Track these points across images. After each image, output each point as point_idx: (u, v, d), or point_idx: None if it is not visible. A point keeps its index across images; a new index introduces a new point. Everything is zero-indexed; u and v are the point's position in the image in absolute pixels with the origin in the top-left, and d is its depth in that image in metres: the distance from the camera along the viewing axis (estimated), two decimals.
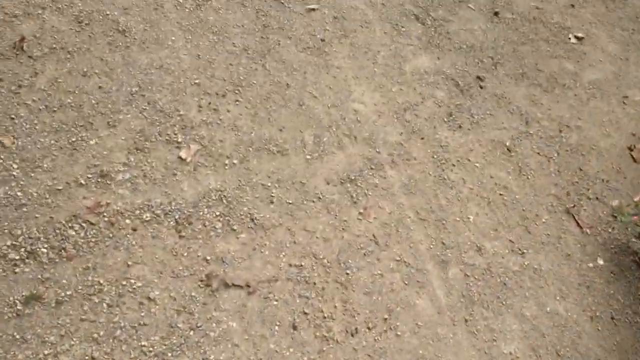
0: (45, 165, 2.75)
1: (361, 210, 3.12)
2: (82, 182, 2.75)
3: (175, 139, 3.05)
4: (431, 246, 3.11)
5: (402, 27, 4.23)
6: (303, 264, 2.83)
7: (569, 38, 4.61)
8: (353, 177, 3.23)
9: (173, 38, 3.50)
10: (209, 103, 3.27)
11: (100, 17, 3.44)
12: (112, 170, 2.83)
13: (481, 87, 4.07)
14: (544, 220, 3.46)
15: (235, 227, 2.84)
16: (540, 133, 3.92)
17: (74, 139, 2.88)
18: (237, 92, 3.39)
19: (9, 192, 2.62)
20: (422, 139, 3.60)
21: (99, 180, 2.78)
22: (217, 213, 2.85)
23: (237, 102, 3.34)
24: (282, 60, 3.66)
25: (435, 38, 4.24)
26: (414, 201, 3.27)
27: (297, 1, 4.06)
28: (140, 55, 3.34)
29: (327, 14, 4.07)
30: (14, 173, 2.68)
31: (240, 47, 3.62)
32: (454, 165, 3.54)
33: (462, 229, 3.25)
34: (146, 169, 2.89)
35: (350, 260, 2.91)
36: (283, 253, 2.83)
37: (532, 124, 3.96)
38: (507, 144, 3.78)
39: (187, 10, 3.69)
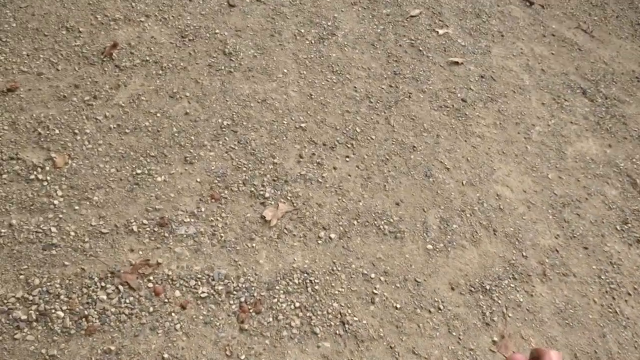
0: (95, 199, 2.13)
1: (495, 338, 2.17)
2: (134, 228, 2.09)
3: (261, 193, 2.34)
4: None
5: (565, 100, 3.34)
6: None
7: None
8: (488, 287, 2.32)
9: (285, 70, 2.88)
10: (313, 154, 2.56)
11: (208, 35, 2.90)
12: (175, 219, 2.16)
13: None
14: None
15: (317, 330, 2.01)
16: None
17: (139, 171, 2.26)
18: (349, 146, 2.65)
19: (41, 225, 2.01)
20: (586, 249, 2.62)
21: (156, 229, 2.11)
22: (297, 304, 2.06)
23: (347, 159, 2.60)
24: (411, 117, 2.90)
25: (607, 121, 3.30)
26: (572, 338, 2.27)
27: (439, 51, 3.34)
28: (242, 83, 2.74)
29: (472, 71, 3.29)
30: (55, 202, 2.08)
31: (362, 93, 2.92)
32: (629, 294, 2.51)
33: None
34: (217, 226, 2.18)
35: None
36: None
37: None
38: None
39: (307, 42, 3.08)
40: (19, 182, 2.10)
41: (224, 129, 2.52)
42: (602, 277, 2.53)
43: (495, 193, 2.70)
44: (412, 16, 3.51)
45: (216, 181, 2.33)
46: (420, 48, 3.31)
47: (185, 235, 2.13)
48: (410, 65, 3.18)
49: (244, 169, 2.41)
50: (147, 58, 2.69)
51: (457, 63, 3.31)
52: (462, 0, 3.80)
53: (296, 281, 2.12)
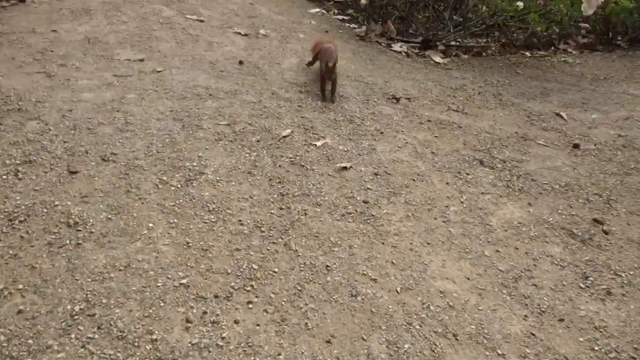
0: None
1: None
2: None
3: None
4: None
5: (467, 174, 3.11)
6: None
7: None
8: None
9: (150, 225, 2.36)
10: (204, 313, 1.96)
11: (45, 210, 2.35)
12: None
13: (606, 233, 2.75)
14: None
15: None
16: None
17: None
18: (249, 289, 2.10)
19: None
20: (562, 321, 2.16)
21: None
22: None
23: (250, 305, 2.02)
24: (314, 235, 2.45)
25: (515, 182, 3.09)
26: None
27: (322, 162, 3.03)
28: (95, 254, 2.15)
29: (364, 172, 3.00)
30: None
31: (250, 225, 2.45)
32: (633, 357, 2.03)
33: None
34: None
35: None
36: None
37: None
38: None
39: (172, 188, 2.62)
40: None
41: (76, 317, 1.86)
42: (596, 348, 2.05)
43: (437, 290, 2.22)
44: (284, 137, 3.25)
45: None
46: (302, 163, 2.99)
47: None
48: (297, 183, 2.81)
49: None
50: None
51: (345, 168, 3.01)
52: (330, 112, 3.66)
53: None
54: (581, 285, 2.37)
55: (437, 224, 2.65)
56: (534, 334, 2.08)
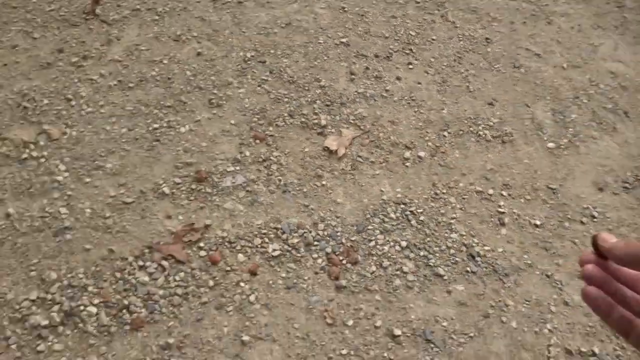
0: (108, 166, 1.62)
1: None
2: (166, 190, 1.56)
3: (316, 122, 1.79)
4: None
5: None
6: None
7: None
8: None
9: None
10: (367, 68, 2.01)
11: None
12: (215, 170, 1.63)
13: None
14: None
15: (441, 272, 1.44)
16: None
17: (156, 126, 1.74)
18: (407, 52, 2.09)
19: (47, 209, 1.50)
20: None
21: (194, 187, 1.58)
22: (404, 243, 1.49)
23: (410, 66, 2.04)
24: (471, 9, 2.33)
25: None
26: None
27: None
28: (256, 12, 2.21)
29: None
30: (59, 178, 1.57)
31: None
32: None
33: None
34: (271, 169, 1.64)
35: None
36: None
37: None
38: None
39: None
40: (10, 165, 1.60)
41: (249, 62, 1.99)
42: None
43: (607, 71, 2.10)
44: None
45: (255, 119, 1.79)
46: None
47: (232, 187, 1.59)
48: None
49: (286, 99, 1.87)
50: (138, 7, 2.19)
51: None
52: None
53: (393, 216, 1.56)
54: None
55: (609, 9, 2.41)
56: None
